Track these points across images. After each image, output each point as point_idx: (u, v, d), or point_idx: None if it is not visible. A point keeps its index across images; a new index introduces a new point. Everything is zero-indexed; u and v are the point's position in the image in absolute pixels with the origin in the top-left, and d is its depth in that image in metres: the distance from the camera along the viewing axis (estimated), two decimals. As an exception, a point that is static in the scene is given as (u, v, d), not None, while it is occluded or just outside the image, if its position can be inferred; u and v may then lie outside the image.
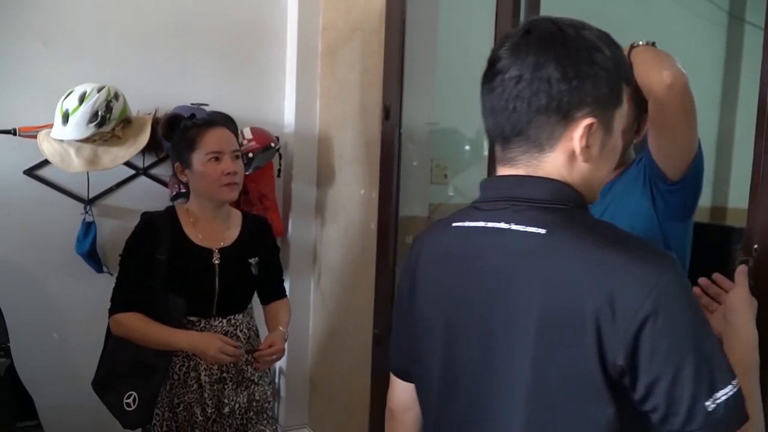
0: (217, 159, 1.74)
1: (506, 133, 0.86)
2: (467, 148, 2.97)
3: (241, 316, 1.81)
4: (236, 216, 1.90)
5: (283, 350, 1.79)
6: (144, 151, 2.38)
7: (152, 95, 2.42)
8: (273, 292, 1.93)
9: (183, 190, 2.34)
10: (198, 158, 1.74)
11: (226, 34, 2.61)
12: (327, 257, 2.68)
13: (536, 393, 0.79)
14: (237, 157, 1.80)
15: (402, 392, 1.06)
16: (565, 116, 0.82)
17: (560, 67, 0.81)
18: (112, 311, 1.74)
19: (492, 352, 0.84)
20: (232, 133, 1.82)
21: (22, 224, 2.33)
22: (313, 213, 2.75)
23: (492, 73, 0.86)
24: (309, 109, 2.70)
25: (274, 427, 1.91)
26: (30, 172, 2.32)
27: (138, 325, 1.70)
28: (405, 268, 1.02)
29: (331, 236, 2.63)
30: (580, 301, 0.75)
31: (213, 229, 1.82)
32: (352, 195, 2.47)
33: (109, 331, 1.79)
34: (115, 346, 1.76)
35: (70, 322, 2.43)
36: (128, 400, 1.71)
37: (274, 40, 2.70)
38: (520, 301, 0.81)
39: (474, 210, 0.90)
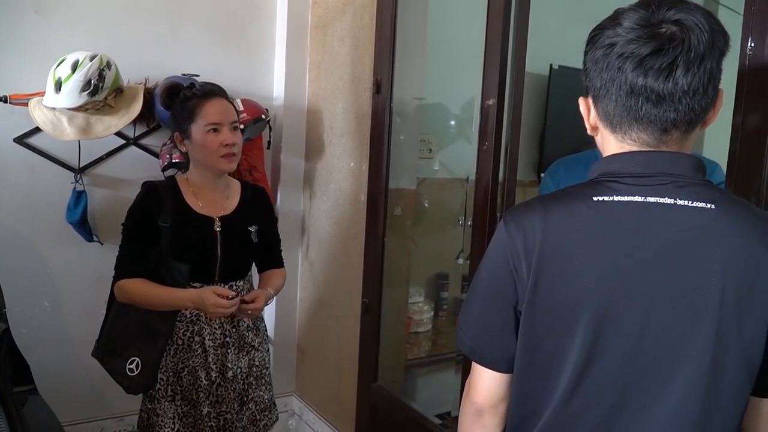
0: (216, 130, 1.77)
1: (682, 115, 0.86)
2: (453, 123, 3.04)
3: (241, 282, 1.87)
4: (235, 185, 1.94)
5: (261, 309, 1.83)
6: (135, 121, 2.39)
7: (143, 65, 2.42)
8: (271, 260, 1.99)
9: (175, 161, 2.36)
10: (197, 129, 1.77)
11: (217, 6, 2.61)
12: (315, 228, 2.73)
13: (716, 364, 0.83)
14: (236, 128, 1.83)
15: (495, 384, 1.00)
16: (714, 90, 0.87)
17: (718, 47, 0.85)
18: (117, 278, 1.77)
19: (669, 326, 0.85)
20: (230, 104, 1.86)
21: (12, 193, 2.32)
22: (302, 185, 2.80)
23: (668, 53, 0.83)
24: (298, 82, 2.73)
25: (271, 392, 1.98)
26: (20, 140, 2.31)
27: (142, 288, 1.74)
28: (513, 254, 0.92)
29: (320, 208, 2.68)
30: (760, 273, 0.82)
31: (213, 198, 1.86)
32: (342, 167, 2.53)
33: (111, 299, 1.82)
34: (118, 312, 1.80)
35: (61, 290, 2.45)
36: (131, 366, 1.75)
37: (265, 12, 2.71)
38: (700, 274, 0.83)
39: (618, 184, 0.89)
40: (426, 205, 3.02)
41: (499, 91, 1.78)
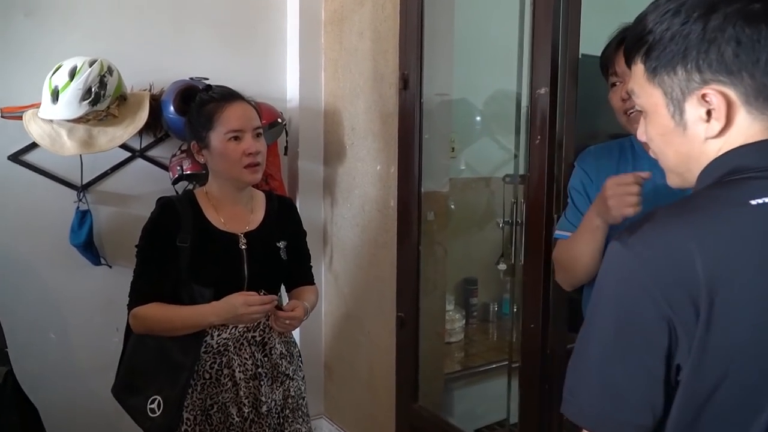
0: (237, 138, 1.58)
1: None
2: (478, 119, 2.86)
3: (275, 310, 1.68)
4: (260, 197, 1.75)
5: (301, 319, 1.65)
6: (141, 132, 2.19)
7: (146, 69, 2.23)
8: (301, 277, 1.80)
9: (187, 172, 2.17)
10: (217, 137, 1.58)
11: (223, 4, 2.42)
12: (339, 238, 2.54)
13: None
14: (259, 135, 1.64)
15: None
16: None
17: None
18: (132, 306, 1.58)
19: None
20: (252, 108, 1.67)
21: (9, 215, 2.12)
22: (322, 192, 2.61)
23: None
24: (314, 82, 2.54)
25: (309, 424, 1.78)
26: (15, 158, 2.11)
27: (159, 312, 1.55)
28: (664, 291, 0.69)
29: (344, 215, 2.49)
30: None
31: (236, 212, 1.67)
32: (367, 171, 2.34)
33: (128, 331, 1.63)
34: (135, 345, 1.61)
35: (68, 320, 2.25)
36: (152, 406, 1.56)
37: (274, 8, 2.52)
38: None
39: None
40: (452, 207, 2.84)
41: (551, 79, 1.60)
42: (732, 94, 0.75)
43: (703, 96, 0.76)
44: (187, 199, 1.66)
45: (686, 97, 0.77)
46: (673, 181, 0.87)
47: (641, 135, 0.88)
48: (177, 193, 2.24)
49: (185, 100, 1.74)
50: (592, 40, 1.68)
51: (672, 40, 0.76)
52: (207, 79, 2.21)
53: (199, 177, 2.20)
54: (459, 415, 2.52)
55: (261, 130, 1.66)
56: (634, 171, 1.26)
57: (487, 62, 2.57)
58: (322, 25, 2.53)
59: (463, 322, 2.99)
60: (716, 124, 0.76)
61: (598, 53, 1.52)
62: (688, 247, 0.70)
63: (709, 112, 0.76)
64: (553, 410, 1.73)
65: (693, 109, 0.77)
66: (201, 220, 1.62)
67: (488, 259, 3.15)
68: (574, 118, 1.63)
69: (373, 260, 2.35)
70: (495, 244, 3.13)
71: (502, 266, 2.56)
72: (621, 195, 1.19)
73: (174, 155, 2.23)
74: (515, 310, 2.26)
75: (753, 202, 0.72)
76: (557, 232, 1.47)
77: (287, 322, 1.61)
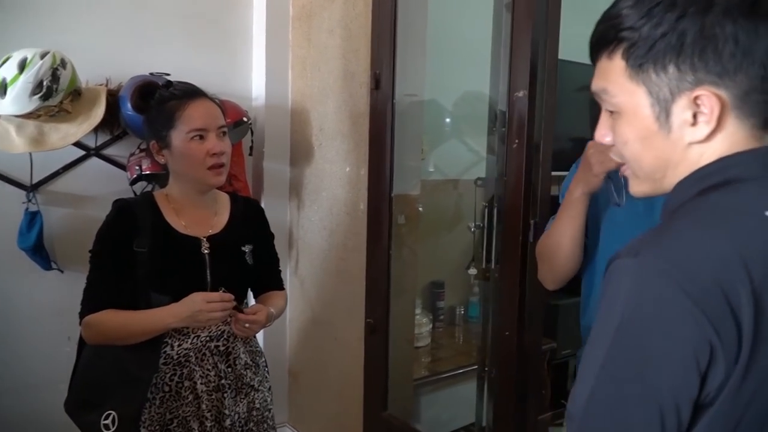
0: (201, 137, 1.50)
1: None
2: (447, 120, 2.82)
3: (235, 312, 1.60)
4: (224, 199, 1.66)
5: (263, 324, 1.56)
6: (97, 129, 2.07)
7: (103, 63, 2.11)
8: (269, 283, 1.72)
9: (146, 173, 2.06)
10: (178, 136, 1.49)
11: (185, -6, 2.32)
12: (305, 241, 2.46)
13: None
14: (224, 134, 1.56)
15: None
16: None
17: None
18: (83, 314, 1.47)
19: None
20: (216, 106, 1.58)
21: (-49, 217, 1.98)
22: (287, 194, 2.53)
23: None
24: (281, 80, 2.45)
25: (275, 437, 1.71)
26: (-42, 156, 1.97)
27: (112, 320, 1.45)
28: (714, 320, 0.63)
29: (311, 218, 2.42)
30: None
31: (199, 215, 1.58)
32: (336, 172, 2.27)
33: (81, 342, 1.52)
34: (89, 357, 1.51)
35: (16, 328, 2.11)
36: (106, 422, 1.45)
37: (240, 1, 2.42)
38: None
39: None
40: (420, 209, 2.79)
41: (531, 82, 1.56)
42: (726, 96, 0.71)
43: (696, 98, 0.71)
44: (146, 202, 1.56)
45: (675, 97, 0.72)
46: (640, 188, 0.81)
47: (603, 137, 0.81)
48: (135, 194, 2.13)
49: (144, 97, 1.64)
50: (570, 47, 1.66)
51: (665, 36, 0.70)
52: (168, 74, 2.09)
53: (159, 178, 2.09)
54: (427, 422, 2.48)
55: (225, 129, 1.57)
56: None
57: (459, 63, 2.53)
58: (290, 21, 2.45)
59: (430, 326, 2.94)
60: (704, 128, 0.72)
61: (575, 59, 1.49)
62: (728, 259, 0.65)
63: (695, 115, 0.72)
64: (526, 417, 1.70)
65: (680, 111, 0.72)
66: (160, 224, 1.53)
67: (456, 262, 3.12)
68: (553, 123, 1.60)
69: (342, 264, 2.28)
70: (463, 247, 3.11)
71: (473, 270, 2.52)
72: (604, 150, 1.16)
73: (132, 154, 2.12)
74: (487, 314, 2.23)
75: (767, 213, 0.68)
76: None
77: (247, 325, 1.53)
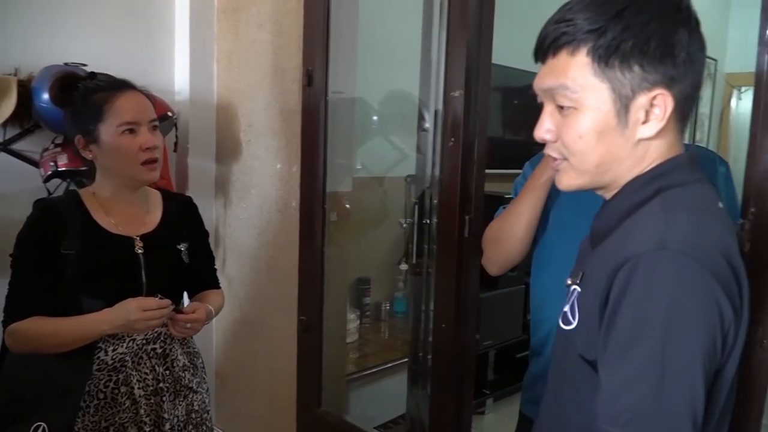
0: (132, 131, 1.43)
1: None
2: (375, 118, 2.85)
3: (173, 313, 1.54)
4: (155, 197, 1.60)
5: (203, 322, 1.52)
6: (6, 122, 1.92)
7: (11, 52, 1.97)
8: (205, 281, 1.67)
9: (61, 169, 1.94)
10: (108, 130, 1.42)
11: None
12: (233, 240, 2.41)
13: None
14: (155, 128, 1.50)
15: None
16: None
17: None
18: (6, 323, 1.37)
19: None
20: (147, 98, 1.51)
21: None
22: (213, 191, 2.46)
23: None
24: (205, 74, 2.38)
25: (214, 439, 1.67)
26: None
27: (41, 327, 1.36)
28: (731, 298, 0.72)
29: (239, 216, 2.37)
30: None
31: (130, 213, 1.51)
32: (266, 170, 2.23)
33: (4, 351, 1.42)
34: (13, 367, 1.40)
35: None
36: (36, 433, 1.37)
37: (161, -9, 2.33)
38: None
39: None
40: (347, 206, 2.81)
41: (467, 82, 1.61)
42: (675, 96, 0.78)
43: (654, 97, 0.77)
44: (71, 201, 1.47)
45: (635, 95, 0.77)
46: (575, 182, 0.85)
47: (545, 133, 0.83)
48: (49, 192, 2.01)
49: (65, 89, 1.54)
50: (499, 51, 1.73)
51: (633, 38, 0.76)
52: (85, 65, 1.98)
53: (76, 174, 1.98)
54: (359, 416, 2.50)
55: (157, 123, 1.51)
56: None
57: (387, 63, 2.56)
58: (215, 13, 2.38)
59: (358, 322, 2.97)
60: (655, 126, 0.78)
61: (504, 63, 1.56)
62: (725, 238, 0.75)
63: (646, 113, 0.78)
64: (462, 405, 1.75)
65: (637, 109, 0.78)
66: (89, 224, 1.45)
67: (381, 259, 3.17)
68: (486, 122, 1.66)
69: (272, 262, 2.25)
70: (389, 244, 3.15)
71: (404, 266, 2.57)
72: None
73: (46, 149, 1.99)
74: (419, 308, 2.28)
75: (719, 206, 0.78)
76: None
77: (188, 326, 1.48)
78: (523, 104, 3.50)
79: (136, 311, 1.36)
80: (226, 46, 2.35)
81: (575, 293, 0.83)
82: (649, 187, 0.81)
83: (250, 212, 2.32)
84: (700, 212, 0.77)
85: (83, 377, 1.40)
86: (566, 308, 0.84)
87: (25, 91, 1.92)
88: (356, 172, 2.84)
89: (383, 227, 3.08)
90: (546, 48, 0.82)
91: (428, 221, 2.19)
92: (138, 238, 1.49)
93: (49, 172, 1.95)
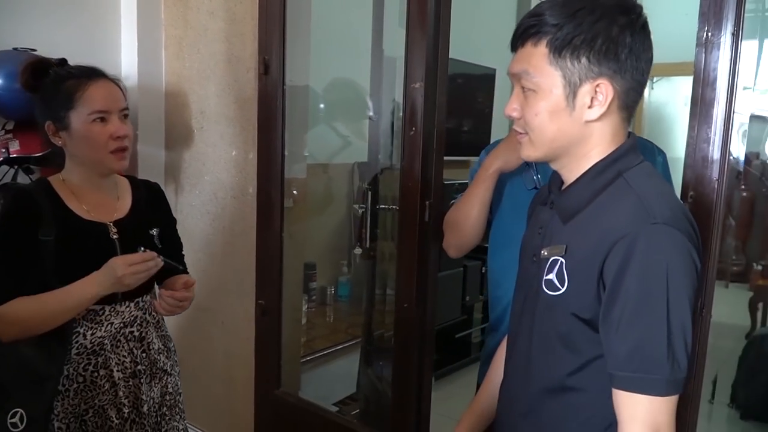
0: (103, 119, 1.44)
1: None
2: (321, 106, 2.91)
3: (149, 297, 1.57)
4: (124, 183, 1.61)
5: (190, 300, 1.59)
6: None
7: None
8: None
9: (13, 155, 1.89)
10: (79, 118, 1.42)
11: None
12: (186, 227, 2.40)
13: None
14: (126, 116, 1.51)
15: None
16: None
17: None
18: None
19: None
20: (118, 87, 1.52)
21: None
22: (164, 177, 2.44)
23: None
24: (153, 60, 2.35)
25: (185, 422, 1.70)
26: None
27: (27, 307, 1.35)
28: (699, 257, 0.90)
29: (192, 203, 2.37)
30: None
31: (101, 200, 1.51)
32: (220, 157, 2.25)
33: None
34: None
35: None
36: (14, 420, 1.36)
37: (105, -26, 2.28)
38: None
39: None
40: (298, 193, 2.86)
41: (427, 74, 1.72)
42: (616, 87, 0.92)
43: (597, 85, 0.91)
44: (42, 187, 1.46)
45: (582, 83, 0.91)
46: (534, 153, 0.98)
47: (512, 111, 0.97)
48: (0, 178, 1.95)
49: (36, 76, 1.51)
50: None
51: (583, 34, 0.89)
52: (35, 50, 1.94)
53: (26, 161, 1.93)
54: (312, 396, 2.58)
55: (128, 112, 1.52)
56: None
57: (337, 52, 2.63)
58: (162, 0, 2.35)
59: (306, 306, 3.04)
60: (598, 110, 0.92)
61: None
62: (684, 207, 0.93)
63: (591, 100, 0.91)
64: (422, 384, 1.87)
65: (583, 95, 0.91)
66: (62, 211, 1.44)
67: (328, 243, 3.24)
68: (444, 113, 1.77)
69: (229, 249, 2.28)
70: (334, 229, 3.23)
71: (358, 250, 2.66)
72: None
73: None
74: (373, 290, 2.38)
75: None
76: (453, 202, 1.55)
77: (181, 303, 1.52)
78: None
79: (122, 267, 1.38)
80: (174, 32, 2.34)
81: (559, 263, 0.95)
82: (610, 169, 0.95)
83: (203, 198, 2.33)
84: (659, 186, 0.93)
85: (59, 362, 1.41)
86: (550, 276, 0.96)
87: (-31, 75, 1.85)
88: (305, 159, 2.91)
89: (327, 213, 3.16)
90: (517, 38, 0.95)
91: (386, 207, 2.30)
92: (111, 224, 1.50)
93: (0, 159, 1.89)
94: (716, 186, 1.33)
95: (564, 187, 1.01)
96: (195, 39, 2.27)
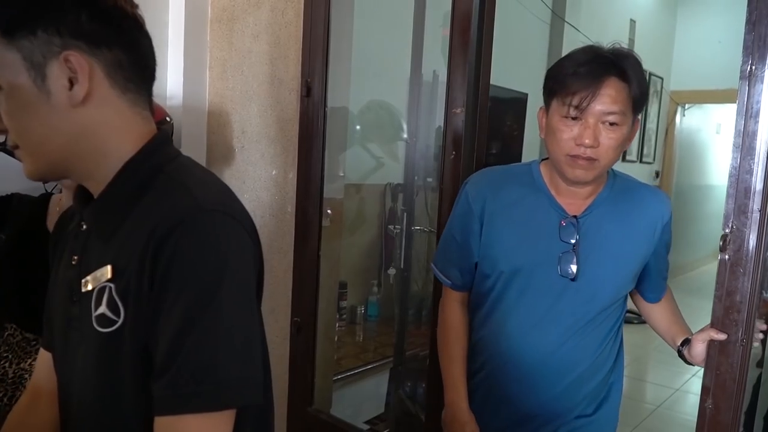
0: None
1: None
2: (357, 128, 2.96)
3: None
4: None
5: None
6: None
7: None
8: None
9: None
10: None
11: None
12: (223, 243, 2.47)
13: None
14: None
15: None
16: None
17: None
18: None
19: None
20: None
21: None
22: (203, 195, 2.50)
23: None
24: (198, 81, 2.43)
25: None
26: None
27: None
28: None
29: (231, 220, 2.42)
30: None
31: None
32: (260, 176, 2.31)
33: None
34: None
35: None
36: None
37: (155, 1, 2.37)
38: None
39: None
40: (329, 211, 2.91)
41: (468, 100, 1.75)
42: (94, 63, 0.77)
43: (65, 60, 0.75)
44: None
45: (47, 61, 0.75)
46: (35, 165, 0.81)
47: None
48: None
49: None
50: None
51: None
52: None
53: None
54: (346, 414, 2.60)
55: None
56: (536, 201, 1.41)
57: (377, 75, 2.68)
58: (208, 23, 2.43)
59: (336, 325, 3.07)
60: (79, 90, 0.76)
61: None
62: (238, 200, 0.90)
63: (71, 80, 0.76)
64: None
65: (56, 75, 0.76)
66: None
67: (359, 263, 3.28)
68: (485, 138, 1.80)
69: (266, 267, 2.30)
70: (365, 248, 3.27)
71: (392, 270, 2.68)
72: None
73: None
74: (405, 311, 2.41)
75: None
76: (438, 273, 1.54)
77: None
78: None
79: None
80: (219, 54, 2.41)
81: (107, 290, 0.79)
82: (144, 165, 0.82)
83: (242, 217, 2.38)
84: (208, 176, 0.87)
85: None
86: (102, 310, 0.79)
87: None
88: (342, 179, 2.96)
89: (359, 233, 3.20)
90: None
91: (420, 228, 2.33)
92: None
93: None
94: (759, 217, 1.34)
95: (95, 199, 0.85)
96: (239, 61, 2.34)
